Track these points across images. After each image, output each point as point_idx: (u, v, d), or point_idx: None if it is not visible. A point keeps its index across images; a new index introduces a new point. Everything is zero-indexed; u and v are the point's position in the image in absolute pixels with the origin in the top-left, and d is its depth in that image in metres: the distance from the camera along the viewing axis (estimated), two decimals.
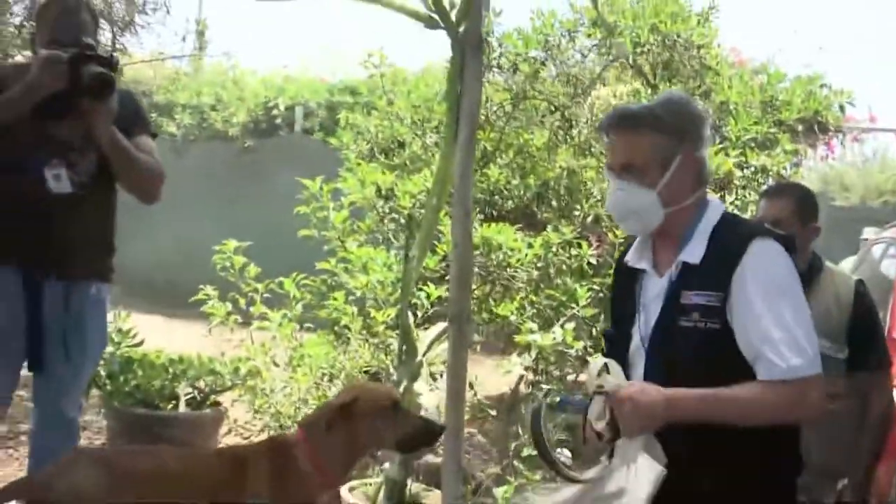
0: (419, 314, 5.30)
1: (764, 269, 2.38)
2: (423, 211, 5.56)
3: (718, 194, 5.53)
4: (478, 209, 5.70)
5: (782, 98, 6.09)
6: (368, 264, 5.51)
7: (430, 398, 4.70)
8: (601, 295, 5.31)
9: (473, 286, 4.93)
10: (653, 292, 2.55)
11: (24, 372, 3.61)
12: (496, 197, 6.13)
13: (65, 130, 3.40)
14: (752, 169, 5.69)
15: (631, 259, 2.66)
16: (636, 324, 2.56)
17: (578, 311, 5.14)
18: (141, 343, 5.20)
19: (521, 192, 6.20)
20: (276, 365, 5.49)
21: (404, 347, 4.66)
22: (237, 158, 10.63)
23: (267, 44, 20.87)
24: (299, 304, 5.59)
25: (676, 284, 2.48)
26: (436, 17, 4.33)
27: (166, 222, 9.60)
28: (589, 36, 6.05)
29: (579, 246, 5.43)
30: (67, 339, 3.46)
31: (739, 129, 5.77)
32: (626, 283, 2.68)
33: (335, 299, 5.46)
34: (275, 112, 10.84)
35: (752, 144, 5.81)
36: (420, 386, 4.64)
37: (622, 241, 5.33)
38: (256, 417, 5.44)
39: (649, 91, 6.03)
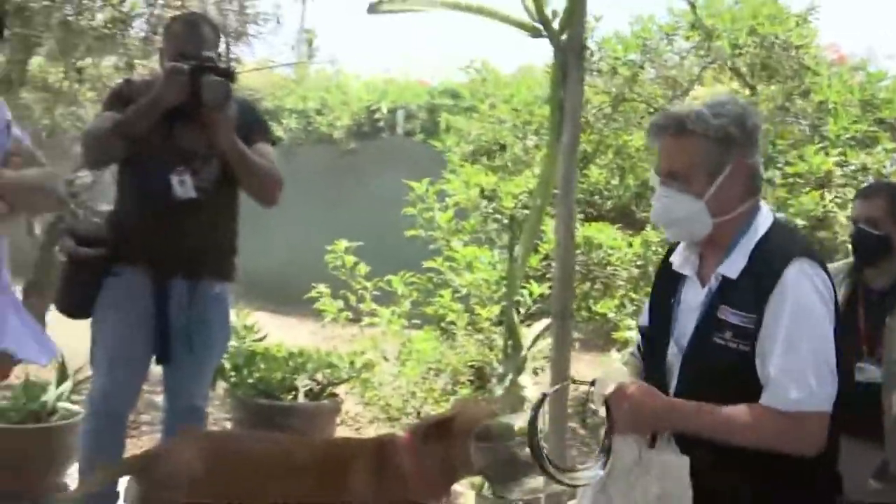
0: (522, 311, 5.48)
1: (794, 295, 2.27)
2: (524, 211, 5.76)
3: (818, 192, 5.58)
4: (579, 209, 5.86)
5: (882, 96, 6.08)
6: (473, 263, 5.74)
7: (534, 392, 4.88)
8: None
9: (574, 284, 5.09)
10: (693, 301, 2.45)
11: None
12: (596, 197, 6.29)
13: (191, 139, 3.57)
14: (853, 167, 5.71)
15: (676, 262, 2.54)
16: (672, 330, 2.47)
17: None
18: (264, 338, 5.50)
19: (621, 191, 6.35)
20: (386, 359, 5.74)
21: (509, 343, 4.84)
22: (341, 160, 10.90)
23: (370, 49, 21.29)
24: (407, 301, 5.84)
25: (715, 298, 2.37)
26: (539, 26, 4.50)
27: (275, 223, 9.92)
28: (687, 39, 6.16)
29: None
30: (192, 334, 3.65)
31: (839, 129, 5.79)
32: (667, 286, 2.56)
33: (442, 297, 5.69)
34: (377, 115, 11.04)
35: (852, 143, 5.82)
36: (524, 380, 4.83)
37: None
38: (367, 409, 5.70)
39: (747, 91, 6.11)
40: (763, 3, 6.13)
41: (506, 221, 5.94)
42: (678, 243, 2.55)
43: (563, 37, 4.40)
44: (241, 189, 3.70)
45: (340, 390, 5.35)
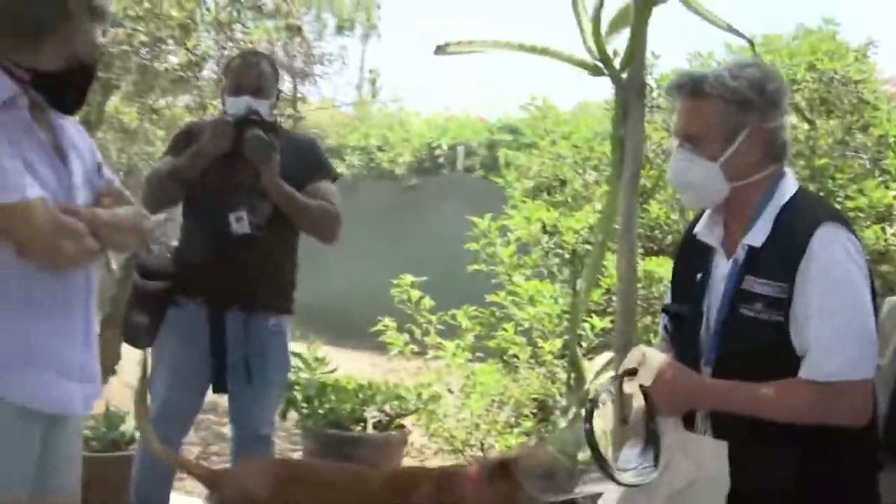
0: (584, 345, 5.57)
1: (825, 261, 2.18)
2: (586, 246, 5.86)
3: (879, 226, 5.60)
4: (639, 243, 5.93)
5: None
6: (535, 297, 5.84)
7: (597, 423, 4.95)
8: None
9: (636, 318, 5.16)
10: (721, 273, 2.37)
11: (216, 396, 4.02)
12: (656, 231, 6.36)
13: (248, 177, 3.73)
14: None
15: (700, 232, 2.46)
16: (704, 304, 2.39)
17: None
18: (334, 370, 5.65)
19: (681, 226, 6.41)
20: (451, 392, 5.85)
21: (572, 376, 4.93)
22: (403, 196, 11.09)
23: (430, 88, 21.65)
24: (471, 335, 5.95)
25: (741, 269, 2.30)
26: (600, 65, 4.62)
27: (338, 257, 10.12)
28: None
29: None
30: (250, 365, 3.78)
31: None
32: (694, 260, 2.49)
33: (505, 330, 5.79)
34: (438, 152, 11.21)
35: None
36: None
37: None
38: (432, 441, 5.80)
39: (806, 126, 6.16)
40: (821, 40, 6.21)
41: (567, 256, 6.05)
42: (701, 215, 2.50)
43: (624, 75, 4.52)
44: (297, 227, 3.85)
45: (407, 422, 5.47)
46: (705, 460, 2.26)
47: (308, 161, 3.88)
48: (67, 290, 2.63)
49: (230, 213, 3.69)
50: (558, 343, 5.67)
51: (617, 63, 4.58)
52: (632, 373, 2.30)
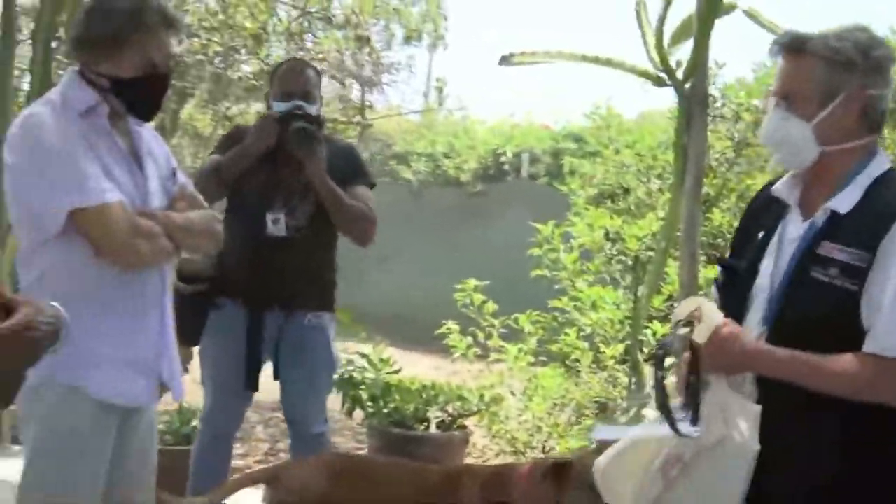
0: (645, 350, 5.63)
1: None
2: (648, 253, 5.93)
3: None
4: (701, 251, 5.97)
5: None
6: (598, 303, 5.92)
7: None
8: None
9: None
10: (792, 234, 2.31)
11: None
12: (719, 240, 6.39)
13: (287, 180, 3.83)
14: None
15: (780, 191, 2.39)
16: (767, 260, 2.34)
17: None
18: (398, 371, 5.78)
19: None
20: (513, 394, 5.96)
21: (633, 380, 5.01)
22: (468, 202, 11.19)
23: (495, 96, 21.87)
24: (534, 339, 6.05)
25: (819, 233, 2.24)
26: (664, 76, 4.70)
27: (403, 260, 10.31)
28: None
29: None
30: (292, 363, 3.89)
31: None
32: (760, 216, 2.46)
33: (567, 335, 5.89)
34: (503, 159, 11.29)
35: None
36: (648, 413, 4.97)
37: None
38: (493, 442, 5.91)
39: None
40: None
41: (630, 263, 6.12)
42: (778, 179, 2.44)
43: (687, 85, 4.59)
44: (336, 227, 3.91)
45: (469, 423, 5.58)
46: (737, 421, 2.23)
47: (348, 165, 3.95)
48: (143, 290, 2.77)
49: (268, 214, 3.78)
50: (620, 348, 5.75)
51: (680, 74, 4.65)
52: (688, 324, 2.25)
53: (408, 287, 10.58)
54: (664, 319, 5.81)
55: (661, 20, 4.77)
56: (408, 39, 7.61)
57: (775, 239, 2.33)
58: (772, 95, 2.35)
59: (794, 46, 2.27)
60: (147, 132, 2.92)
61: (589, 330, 5.97)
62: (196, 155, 7.74)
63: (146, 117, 2.92)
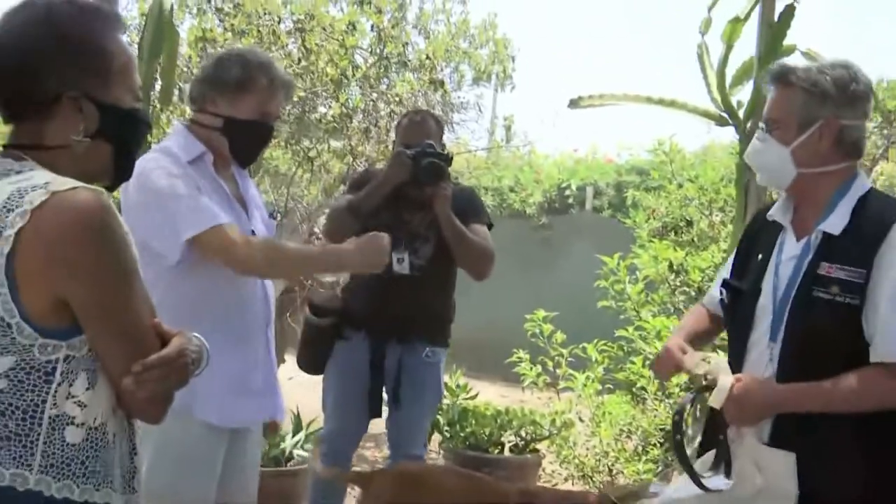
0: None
1: None
2: (711, 284, 6.12)
3: None
4: None
5: None
6: (662, 332, 6.12)
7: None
8: None
9: None
10: (788, 253, 2.54)
11: None
12: None
13: (413, 222, 4.13)
14: None
15: (775, 214, 2.62)
16: (768, 279, 2.55)
17: None
18: (475, 396, 6.05)
19: None
20: (581, 421, 6.18)
21: (699, 407, 5.18)
22: (534, 234, 11.37)
23: (559, 131, 22.19)
24: (600, 368, 6.28)
25: (816, 254, 2.45)
26: (725, 115, 4.93)
27: (473, 292, 10.50)
28: (870, 120, 6.43)
29: None
30: (405, 391, 4.16)
31: None
32: (760, 237, 2.66)
33: (633, 363, 6.10)
34: (567, 192, 11.47)
35: None
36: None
37: None
38: (562, 467, 6.14)
39: None
40: None
41: (693, 294, 6.30)
42: (769, 207, 2.69)
43: (748, 124, 4.80)
44: (457, 262, 4.16)
45: (541, 447, 5.82)
46: (773, 471, 2.40)
47: (469, 205, 4.22)
48: (249, 318, 3.08)
49: (393, 254, 3.94)
50: (685, 376, 5.92)
51: (741, 113, 4.86)
52: (706, 389, 2.47)
53: (478, 317, 10.79)
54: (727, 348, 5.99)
55: (722, 64, 5.00)
56: (476, 80, 7.91)
57: (773, 259, 2.57)
58: (764, 122, 2.61)
59: (781, 77, 2.53)
60: (245, 179, 3.22)
61: (654, 358, 6.15)
62: (277, 191, 8.11)
63: (245, 162, 3.22)
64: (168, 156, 2.97)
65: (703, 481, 2.46)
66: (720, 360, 2.53)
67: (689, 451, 2.56)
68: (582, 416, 6.22)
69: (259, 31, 6.76)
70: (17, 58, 1.77)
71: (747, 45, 4.88)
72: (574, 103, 4.99)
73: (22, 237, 1.65)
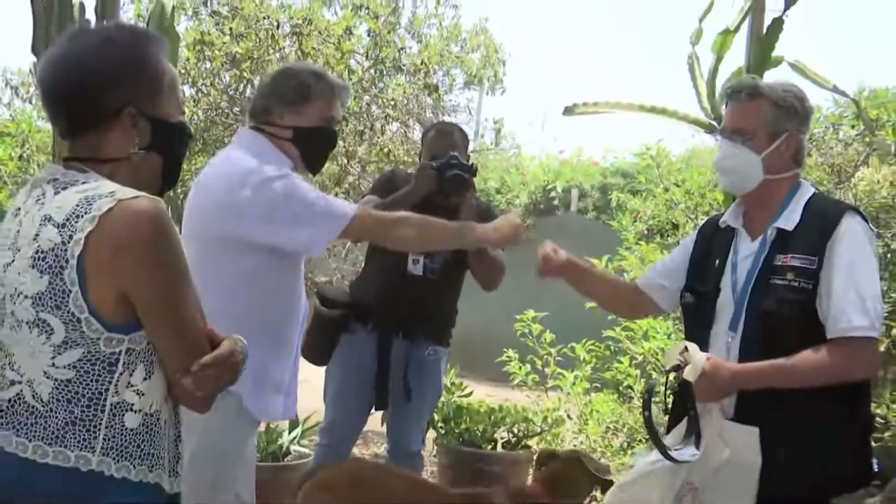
0: None
1: (850, 240, 2.62)
2: None
3: None
4: None
5: None
6: (649, 332, 6.28)
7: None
8: None
9: None
10: (744, 252, 2.79)
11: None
12: None
13: None
14: None
15: (728, 219, 2.88)
16: (726, 278, 2.79)
17: None
18: (470, 394, 6.18)
19: None
20: (569, 418, 6.34)
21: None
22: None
23: (546, 133, 22.35)
24: (588, 367, 6.44)
25: (771, 248, 2.71)
26: (715, 123, 5.09)
27: (464, 292, 10.60)
28: (853, 127, 6.60)
29: None
30: (406, 386, 4.27)
31: None
32: (713, 243, 2.91)
33: (620, 363, 6.26)
34: (552, 194, 11.60)
35: None
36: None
37: (885, 314, 5.79)
38: None
39: None
40: None
41: None
42: (718, 216, 2.97)
43: None
44: (471, 272, 4.30)
45: (532, 443, 5.96)
46: (738, 445, 2.59)
47: (486, 220, 4.21)
48: (293, 327, 3.23)
49: (410, 255, 4.19)
50: (671, 376, 6.08)
51: None
52: (676, 368, 2.68)
53: (467, 317, 10.88)
54: None
55: (713, 74, 5.18)
56: (468, 84, 8.04)
57: (729, 259, 2.82)
58: (722, 131, 2.85)
59: (750, 91, 2.79)
60: None
61: (641, 358, 6.31)
62: None
63: (316, 169, 3.38)
64: (271, 162, 3.08)
65: (672, 453, 2.62)
66: (695, 346, 2.69)
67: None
68: (570, 414, 6.38)
69: (257, 34, 6.87)
70: (84, 78, 1.95)
71: (737, 57, 5.06)
72: (569, 110, 5.15)
73: (91, 240, 1.82)
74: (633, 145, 7.88)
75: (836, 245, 2.62)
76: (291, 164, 3.16)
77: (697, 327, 2.85)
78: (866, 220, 2.75)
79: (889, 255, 6.26)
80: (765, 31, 4.87)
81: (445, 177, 4.09)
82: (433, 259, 4.26)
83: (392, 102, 7.12)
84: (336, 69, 6.81)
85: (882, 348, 5.79)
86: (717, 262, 2.86)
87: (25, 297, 1.85)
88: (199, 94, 6.97)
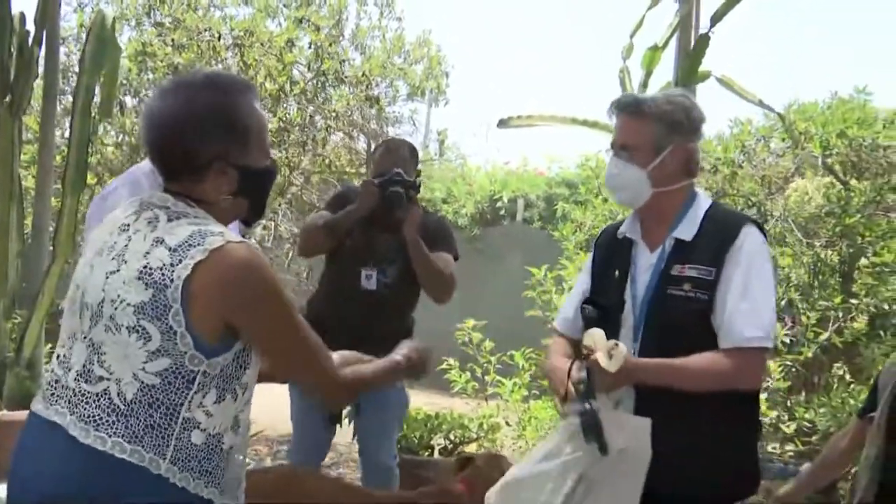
0: None
1: (748, 251, 2.65)
2: None
3: None
4: None
5: None
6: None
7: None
8: (793, 370, 5.93)
9: None
10: (643, 263, 2.80)
11: None
12: None
13: (382, 244, 4.29)
14: None
15: (625, 231, 2.88)
16: (627, 290, 2.79)
17: (771, 384, 5.76)
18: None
19: None
20: (508, 424, 6.44)
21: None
22: (467, 246, 11.41)
23: (490, 143, 22.55)
24: (527, 374, 6.54)
25: (669, 258, 2.72)
26: None
27: None
28: (783, 140, 6.79)
29: None
30: (369, 401, 4.25)
31: None
32: (613, 255, 2.90)
33: None
34: (499, 204, 11.66)
35: None
36: None
37: (814, 322, 5.98)
38: None
39: (838, 188, 6.64)
40: (852, 109, 6.72)
41: None
42: (614, 226, 2.98)
43: None
44: (421, 284, 4.32)
45: (469, 449, 6.04)
46: (632, 434, 2.63)
47: (437, 233, 4.38)
48: None
49: (362, 270, 4.25)
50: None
51: None
52: (589, 354, 2.59)
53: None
54: None
55: (643, 86, 5.33)
56: (411, 96, 8.13)
57: (630, 271, 2.83)
58: (611, 146, 2.86)
59: (633, 108, 2.80)
60: None
61: None
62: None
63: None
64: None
65: (608, 444, 2.61)
66: (599, 331, 2.65)
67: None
68: (509, 421, 6.47)
69: (199, 45, 6.92)
70: (175, 134, 2.11)
71: (666, 71, 5.22)
72: (503, 123, 5.28)
73: (198, 269, 2.00)
74: (577, 156, 7.98)
75: (734, 256, 2.66)
76: None
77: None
78: (763, 233, 2.79)
79: (818, 264, 6.46)
80: (692, 46, 5.03)
81: (385, 193, 4.18)
82: (386, 274, 4.32)
83: (334, 113, 7.18)
84: (278, 80, 6.87)
85: (810, 354, 6.00)
86: (618, 273, 2.86)
87: (128, 304, 2.00)
88: (141, 105, 7.00)
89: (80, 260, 2.22)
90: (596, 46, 31.13)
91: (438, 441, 5.78)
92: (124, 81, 6.75)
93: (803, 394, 6.20)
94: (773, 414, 5.73)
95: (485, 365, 6.68)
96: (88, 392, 2.04)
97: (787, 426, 5.79)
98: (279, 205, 7.10)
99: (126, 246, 2.09)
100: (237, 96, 2.16)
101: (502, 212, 11.72)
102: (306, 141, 7.16)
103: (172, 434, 2.01)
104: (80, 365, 2.07)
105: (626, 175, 2.80)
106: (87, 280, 2.12)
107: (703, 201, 2.82)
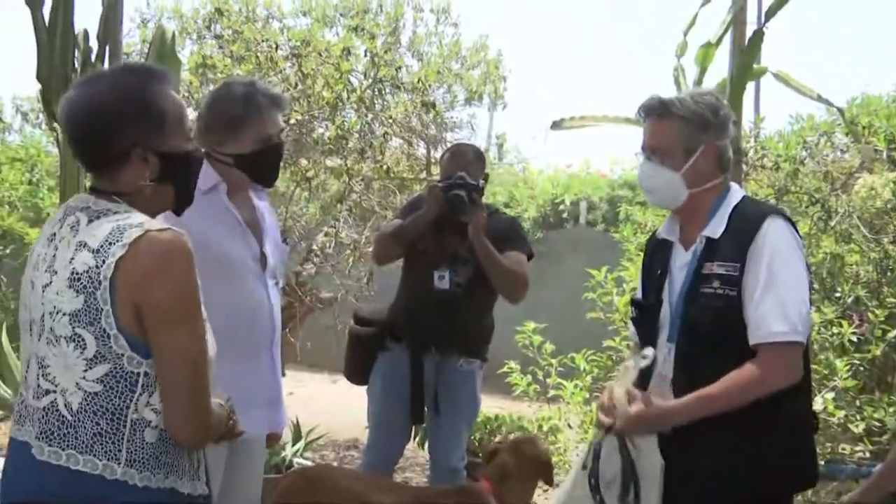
0: None
1: (772, 243, 2.64)
2: None
3: None
4: None
5: None
6: None
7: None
8: (861, 369, 5.82)
9: None
10: (679, 263, 2.82)
11: None
12: None
13: (454, 245, 4.37)
14: None
15: (663, 232, 2.93)
16: (665, 290, 2.83)
17: (839, 383, 5.66)
18: None
19: None
20: (570, 427, 6.41)
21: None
22: None
23: (553, 146, 22.50)
24: (589, 377, 6.51)
25: (700, 257, 2.73)
26: None
27: None
28: (846, 134, 6.67)
29: (840, 325, 5.86)
30: (441, 402, 4.40)
31: None
32: (655, 256, 2.94)
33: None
34: (561, 207, 11.65)
35: None
36: None
37: (882, 319, 5.86)
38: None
39: None
40: None
41: None
42: (661, 227, 2.98)
43: None
44: (493, 285, 4.38)
45: None
46: (641, 447, 2.67)
47: (507, 233, 4.48)
48: (256, 336, 3.29)
49: (435, 272, 4.35)
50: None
51: None
52: (609, 429, 2.70)
53: None
54: None
55: (698, 83, 5.26)
56: (469, 100, 8.15)
57: (669, 271, 2.87)
58: (642, 149, 2.87)
59: (660, 111, 2.80)
60: (262, 204, 3.44)
61: None
62: (276, 210, 8.31)
63: (268, 184, 3.47)
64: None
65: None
66: (618, 388, 2.73)
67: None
68: (571, 424, 6.44)
69: (257, 56, 7.03)
70: (93, 122, 2.15)
71: (721, 68, 5.15)
72: (557, 125, 5.26)
73: (121, 265, 2.03)
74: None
75: (757, 249, 2.65)
76: (224, 187, 3.22)
77: (645, 340, 2.88)
78: (792, 223, 2.77)
79: (886, 261, 6.33)
80: (746, 42, 4.96)
81: (448, 197, 4.22)
82: (458, 274, 4.37)
83: (392, 120, 7.24)
84: (335, 88, 6.95)
85: (879, 352, 5.88)
86: (659, 273, 2.90)
87: (63, 314, 2.04)
88: None
89: (23, 278, 2.24)
90: (642, 48, 30.88)
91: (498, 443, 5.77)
92: (185, 94, 6.87)
93: (876, 393, 6.08)
94: (841, 413, 5.61)
95: (546, 367, 6.65)
96: (39, 408, 2.08)
97: (857, 426, 5.67)
98: (339, 211, 7.17)
99: (54, 256, 2.12)
100: (151, 83, 2.18)
101: (565, 215, 11.68)
102: (365, 148, 7.21)
103: (123, 438, 2.05)
104: (34, 382, 2.11)
105: (660, 179, 2.81)
106: (29, 297, 2.16)
107: (735, 196, 2.82)
